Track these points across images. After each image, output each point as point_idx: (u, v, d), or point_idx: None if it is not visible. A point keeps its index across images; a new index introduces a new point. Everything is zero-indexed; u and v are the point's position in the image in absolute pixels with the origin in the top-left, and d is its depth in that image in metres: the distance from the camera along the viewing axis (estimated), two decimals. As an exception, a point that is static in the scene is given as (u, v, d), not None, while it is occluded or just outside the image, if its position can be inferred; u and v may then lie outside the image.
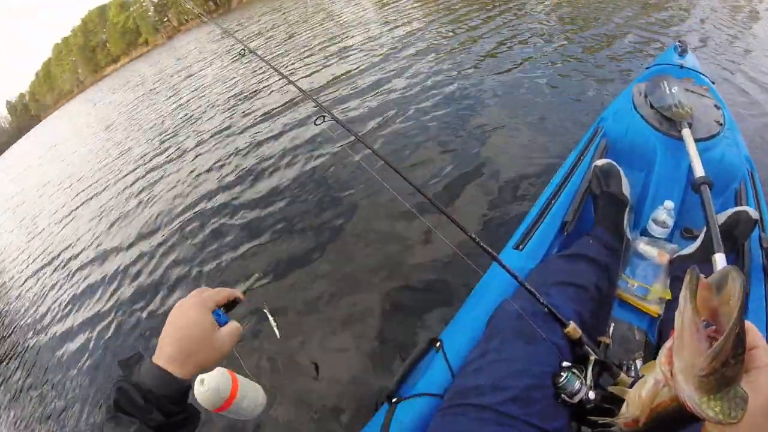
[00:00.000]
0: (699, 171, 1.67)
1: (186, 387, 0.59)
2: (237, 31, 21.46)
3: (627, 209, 1.72)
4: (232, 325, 0.67)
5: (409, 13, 9.70)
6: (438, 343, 1.34)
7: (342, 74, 6.82)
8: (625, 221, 1.70)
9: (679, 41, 3.27)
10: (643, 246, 1.74)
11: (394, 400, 1.23)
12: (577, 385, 1.03)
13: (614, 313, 1.58)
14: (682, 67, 2.89)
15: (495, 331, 1.20)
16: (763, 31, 6.27)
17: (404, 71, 6.04)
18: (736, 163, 2.10)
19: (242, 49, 1.94)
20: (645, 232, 1.82)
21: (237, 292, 0.75)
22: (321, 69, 7.54)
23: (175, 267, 3.89)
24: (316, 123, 1.63)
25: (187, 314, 0.63)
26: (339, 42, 9.16)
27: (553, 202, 1.87)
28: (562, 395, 1.02)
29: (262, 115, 6.51)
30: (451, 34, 7.28)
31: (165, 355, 0.59)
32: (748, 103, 4.44)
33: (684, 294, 0.53)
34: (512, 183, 3.21)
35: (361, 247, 3.04)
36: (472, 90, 4.88)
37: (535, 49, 6.07)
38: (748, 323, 0.50)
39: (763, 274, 1.61)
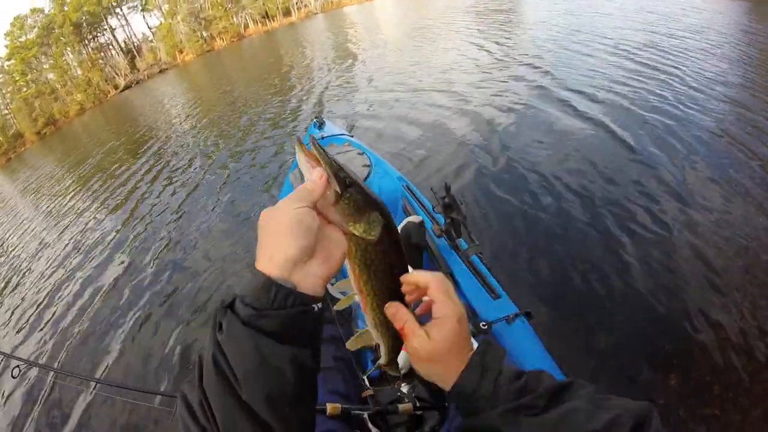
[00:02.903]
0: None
1: (262, 281, 0.52)
2: None
3: None
4: None
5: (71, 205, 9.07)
6: None
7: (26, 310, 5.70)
8: (329, 290, 1.67)
9: (316, 117, 3.87)
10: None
11: None
12: None
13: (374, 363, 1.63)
14: (323, 138, 3.34)
15: None
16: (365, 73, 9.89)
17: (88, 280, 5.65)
18: (392, 188, 2.46)
19: None
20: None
21: None
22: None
23: None
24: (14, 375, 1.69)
25: None
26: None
27: None
28: None
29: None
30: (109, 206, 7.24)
31: None
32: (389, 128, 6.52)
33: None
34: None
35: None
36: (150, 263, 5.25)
37: (200, 181, 7.21)
38: (420, 275, 0.68)
39: (456, 254, 1.87)
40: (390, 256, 0.68)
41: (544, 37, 10.89)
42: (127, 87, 46.56)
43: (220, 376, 0.50)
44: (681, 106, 5.29)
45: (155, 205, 7.09)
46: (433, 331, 0.64)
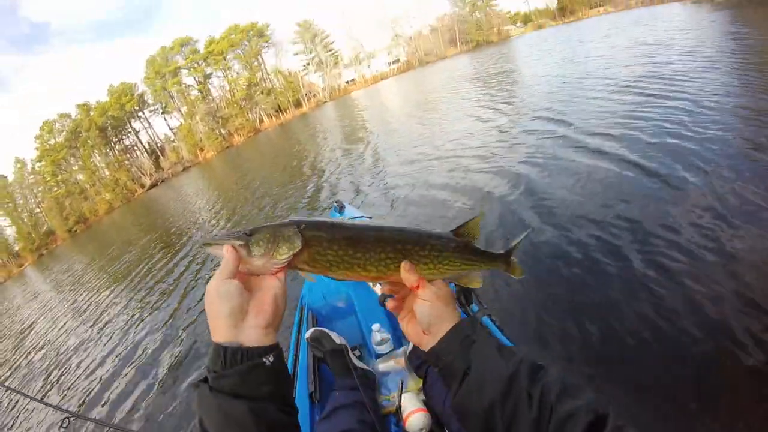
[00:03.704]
0: (379, 290, 2.12)
1: (214, 347, 0.63)
2: None
3: (348, 352, 1.96)
4: None
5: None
6: None
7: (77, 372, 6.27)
8: (353, 360, 1.92)
9: (336, 202, 4.14)
10: (382, 366, 1.98)
11: None
12: None
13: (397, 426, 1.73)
14: None
15: None
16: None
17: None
18: None
19: None
20: (378, 355, 2.09)
21: None
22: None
23: None
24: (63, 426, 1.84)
25: None
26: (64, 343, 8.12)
27: (294, 382, 1.99)
28: None
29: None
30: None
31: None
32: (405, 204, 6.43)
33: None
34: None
35: None
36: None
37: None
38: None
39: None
40: (338, 241, 0.75)
41: (549, 90, 11.08)
42: (153, 185, 49.03)
43: None
44: (698, 129, 5.25)
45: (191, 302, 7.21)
46: (441, 284, 0.82)
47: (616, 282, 3.21)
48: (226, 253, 0.69)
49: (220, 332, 0.64)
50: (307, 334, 2.09)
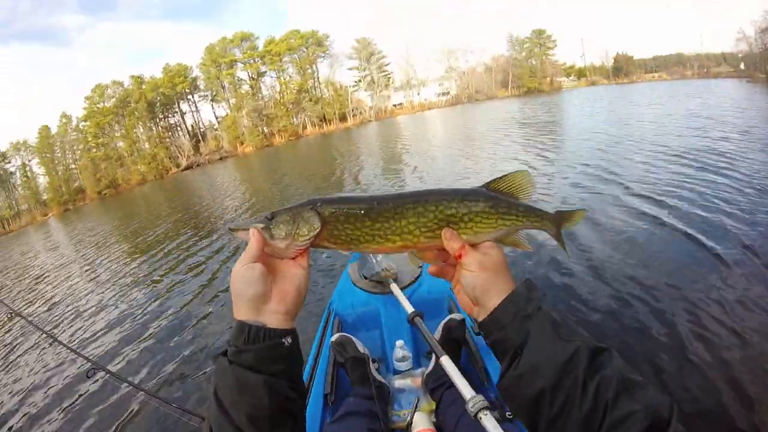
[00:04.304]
0: (409, 309, 2.17)
1: (238, 324, 0.67)
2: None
3: (369, 362, 2.00)
4: None
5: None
6: None
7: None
8: (373, 371, 1.97)
9: None
10: (398, 382, 2.03)
11: None
12: None
13: None
14: None
15: None
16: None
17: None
18: (440, 288, 2.71)
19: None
20: (396, 371, 2.14)
21: None
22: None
23: None
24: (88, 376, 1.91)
25: None
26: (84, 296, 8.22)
27: (311, 382, 2.07)
28: None
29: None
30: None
31: None
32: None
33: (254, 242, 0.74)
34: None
35: None
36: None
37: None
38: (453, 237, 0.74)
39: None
40: (355, 215, 0.75)
41: (600, 147, 10.94)
42: (188, 167, 50.21)
43: (220, 409, 0.64)
44: (748, 208, 5.24)
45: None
46: (490, 250, 0.75)
47: (647, 343, 3.17)
48: (250, 236, 0.72)
49: (244, 313, 0.68)
50: (333, 338, 2.14)
